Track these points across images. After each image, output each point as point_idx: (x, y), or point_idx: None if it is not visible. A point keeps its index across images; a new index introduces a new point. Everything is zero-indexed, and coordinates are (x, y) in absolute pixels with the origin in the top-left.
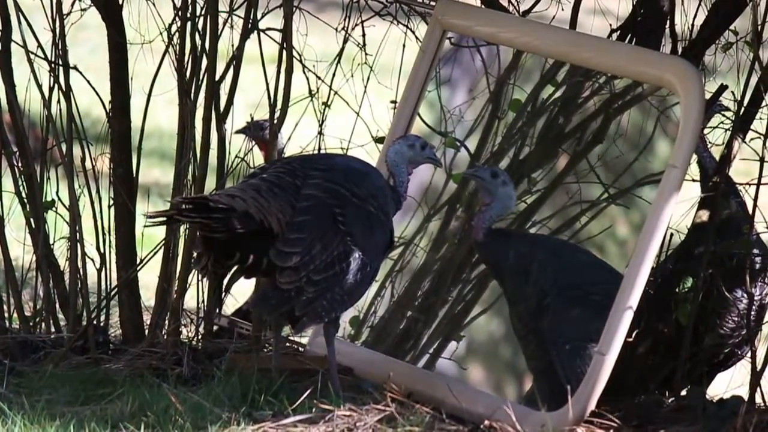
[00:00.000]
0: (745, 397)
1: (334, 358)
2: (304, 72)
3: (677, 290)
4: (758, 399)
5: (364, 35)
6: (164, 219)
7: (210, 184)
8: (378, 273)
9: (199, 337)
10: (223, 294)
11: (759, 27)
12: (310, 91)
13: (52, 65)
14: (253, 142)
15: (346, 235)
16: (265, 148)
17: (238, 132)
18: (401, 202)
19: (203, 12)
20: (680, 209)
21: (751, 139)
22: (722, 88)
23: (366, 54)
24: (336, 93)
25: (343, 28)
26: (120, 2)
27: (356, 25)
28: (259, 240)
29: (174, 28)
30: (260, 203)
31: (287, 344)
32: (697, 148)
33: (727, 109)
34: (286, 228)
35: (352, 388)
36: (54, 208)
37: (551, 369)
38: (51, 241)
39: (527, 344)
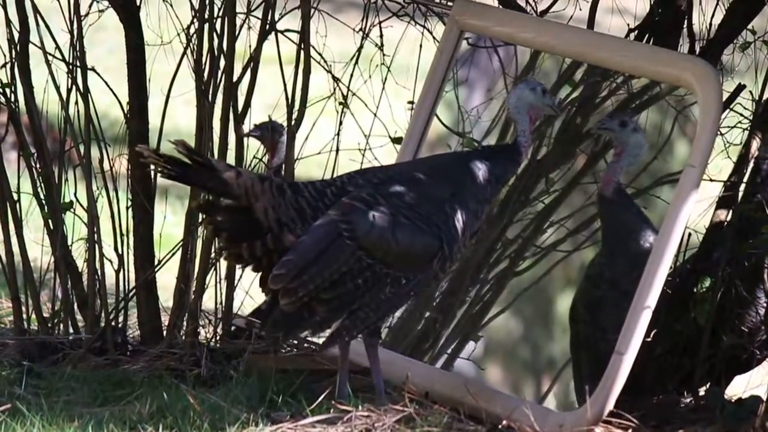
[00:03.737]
0: (764, 397)
1: (377, 367)
2: (326, 70)
3: (695, 290)
4: None
5: (381, 36)
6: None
7: None
8: (426, 284)
9: (218, 338)
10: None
11: None
12: (332, 91)
13: (70, 66)
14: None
15: (358, 250)
16: (272, 149)
17: (247, 135)
18: (521, 155)
19: (221, 13)
20: (698, 209)
21: None
22: (740, 88)
23: (384, 54)
24: (354, 93)
25: (360, 29)
26: (138, 3)
27: (374, 25)
28: (244, 225)
29: (192, 29)
30: (251, 184)
31: (305, 345)
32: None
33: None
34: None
35: (371, 389)
36: (72, 210)
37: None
38: (69, 243)
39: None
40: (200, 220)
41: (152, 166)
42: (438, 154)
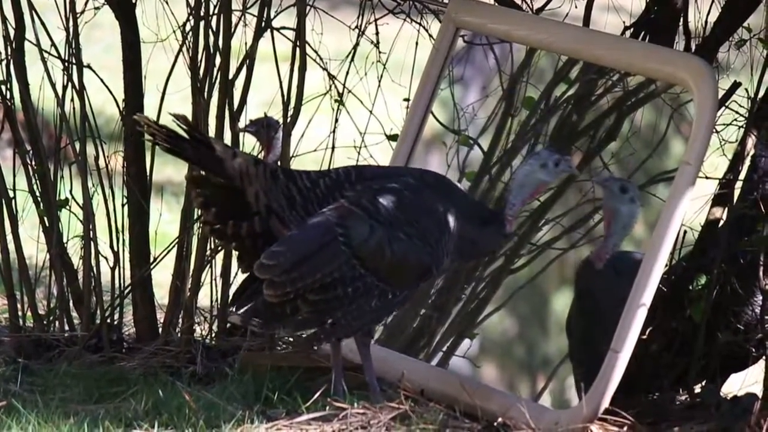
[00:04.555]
0: (760, 395)
1: (369, 364)
2: (321, 68)
3: (691, 288)
4: None
5: (377, 33)
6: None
7: None
8: (408, 300)
9: (213, 335)
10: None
11: None
12: (327, 88)
13: (66, 64)
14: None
15: (354, 258)
16: (267, 145)
17: (242, 130)
18: (504, 227)
19: (217, 10)
20: (694, 206)
21: None
22: (736, 85)
23: (380, 52)
24: (350, 91)
25: (356, 26)
26: (133, 1)
27: (370, 23)
28: (234, 205)
29: (188, 26)
30: (246, 168)
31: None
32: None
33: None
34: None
35: (366, 386)
36: (68, 207)
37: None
38: (65, 240)
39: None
40: (196, 217)
41: (147, 136)
42: (435, 172)
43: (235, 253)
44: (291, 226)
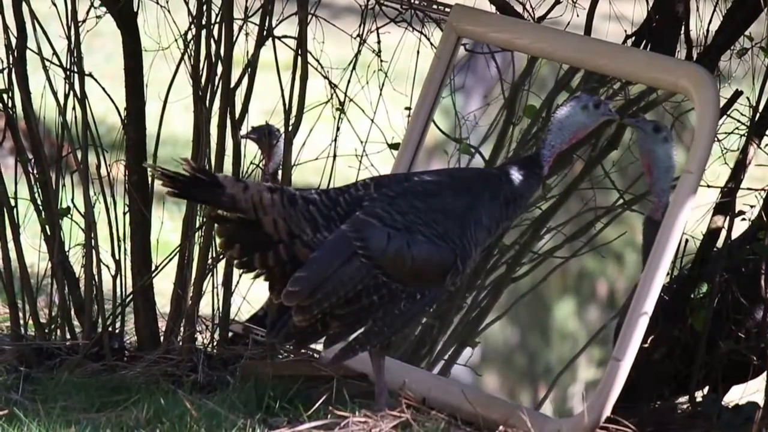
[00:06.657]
0: (761, 404)
1: (381, 381)
2: (323, 76)
3: (693, 296)
4: None
5: (379, 42)
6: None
7: None
8: (440, 298)
9: (215, 343)
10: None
11: None
12: (329, 97)
13: (68, 72)
14: (257, 146)
15: (375, 269)
16: (268, 153)
17: (244, 137)
18: (542, 169)
19: (218, 19)
20: (695, 215)
21: (767, 144)
22: (737, 94)
23: (381, 60)
24: (351, 100)
25: (358, 35)
26: (135, 9)
27: (371, 31)
28: (255, 237)
29: (189, 35)
30: (259, 199)
31: (302, 351)
32: None
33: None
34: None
35: (367, 395)
36: (69, 215)
37: None
38: (66, 248)
39: None
40: (198, 226)
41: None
42: (461, 168)
43: (253, 281)
44: (316, 249)
